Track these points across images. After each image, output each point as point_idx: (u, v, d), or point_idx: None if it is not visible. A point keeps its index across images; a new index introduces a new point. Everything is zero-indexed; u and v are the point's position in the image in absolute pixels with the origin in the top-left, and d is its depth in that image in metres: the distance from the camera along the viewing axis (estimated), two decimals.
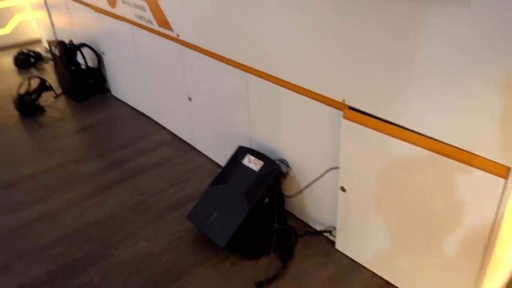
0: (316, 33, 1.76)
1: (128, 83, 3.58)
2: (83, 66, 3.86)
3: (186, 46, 2.61)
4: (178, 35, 2.65)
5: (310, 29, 1.78)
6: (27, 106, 3.65)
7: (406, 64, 1.47)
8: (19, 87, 3.74)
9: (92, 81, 3.90)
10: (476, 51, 1.28)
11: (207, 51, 2.46)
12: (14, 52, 4.78)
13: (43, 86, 3.81)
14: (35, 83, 3.83)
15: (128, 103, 3.71)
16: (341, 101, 1.79)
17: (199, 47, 2.51)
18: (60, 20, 4.38)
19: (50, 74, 4.36)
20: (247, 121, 2.39)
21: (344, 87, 1.75)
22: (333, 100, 1.82)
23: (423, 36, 1.39)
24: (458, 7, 1.27)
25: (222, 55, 2.35)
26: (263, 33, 2.02)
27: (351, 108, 1.75)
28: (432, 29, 1.36)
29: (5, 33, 5.22)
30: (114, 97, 3.89)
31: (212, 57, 2.43)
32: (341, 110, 1.79)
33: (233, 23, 2.18)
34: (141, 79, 3.32)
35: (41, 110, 3.70)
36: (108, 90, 3.96)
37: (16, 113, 3.67)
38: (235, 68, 2.29)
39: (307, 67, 1.88)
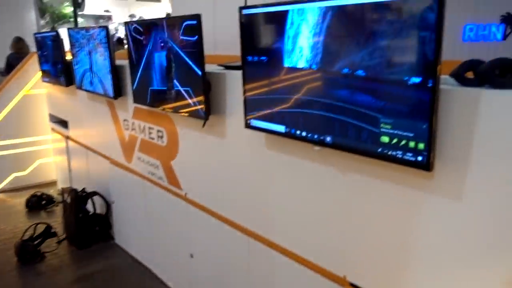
0: (321, 207, 1.83)
1: (133, 233, 3.60)
2: (91, 212, 3.93)
3: (193, 205, 2.69)
4: (186, 194, 2.76)
5: (315, 203, 1.86)
6: (28, 252, 3.62)
7: (409, 249, 1.50)
8: (24, 232, 3.76)
9: (97, 228, 3.93)
10: (473, 244, 1.31)
11: (212, 211, 2.53)
12: (28, 193, 4.93)
13: (48, 232, 3.84)
14: (41, 227, 3.86)
15: (131, 253, 3.68)
16: (342, 276, 1.77)
17: (205, 207, 2.59)
18: (77, 166, 4.62)
19: (58, 217, 4.42)
20: (247, 285, 2.33)
21: (346, 263, 1.75)
22: (334, 274, 1.80)
23: (423, 224, 1.44)
24: (452, 201, 1.34)
25: (226, 217, 2.42)
26: (267, 200, 2.11)
27: (353, 285, 1.73)
28: (430, 219, 1.42)
29: (23, 174, 5.46)
30: (117, 245, 3.87)
31: (217, 218, 2.49)
32: (343, 286, 1.76)
33: (239, 188, 2.28)
34: (146, 230, 3.35)
35: (41, 256, 3.66)
36: (112, 238, 3.96)
37: (15, 258, 3.63)
38: (238, 231, 2.33)
39: (309, 238, 1.91)
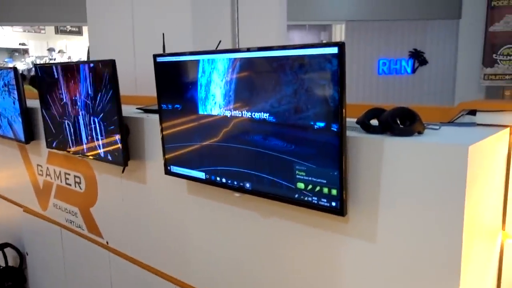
0: (244, 251, 1.82)
1: (51, 286, 3.32)
2: (2, 267, 3.58)
3: (115, 254, 2.56)
4: (107, 242, 2.61)
5: (239, 247, 1.84)
6: None
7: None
8: None
9: (10, 283, 3.59)
10: (389, 285, 1.36)
11: (135, 259, 2.41)
12: None
13: None
14: None
15: None
16: None
17: (127, 255, 2.47)
18: None
19: None
20: None
21: None
22: None
23: (341, 266, 1.48)
24: (367, 243, 1.39)
25: (150, 265, 2.32)
26: (191, 246, 2.06)
27: None
28: (348, 261, 1.46)
29: None
30: None
31: (140, 266, 2.38)
32: None
33: (162, 235, 2.21)
34: (65, 282, 3.11)
35: None
36: None
37: None
38: (163, 280, 2.24)
39: (234, 282, 1.88)
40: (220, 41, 2.12)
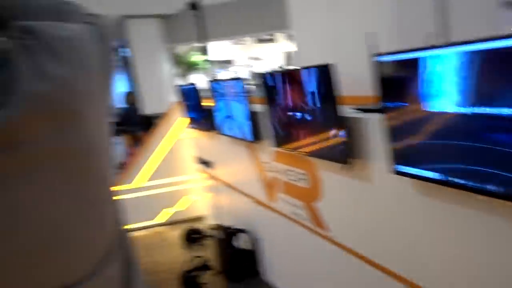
0: (492, 265, 1.66)
1: (280, 271, 3.71)
2: (240, 248, 4.17)
3: (340, 248, 2.66)
4: (332, 236, 2.74)
5: (484, 259, 1.70)
6: (190, 283, 4.00)
7: None
8: (186, 264, 4.17)
9: (245, 263, 4.15)
10: None
11: (362, 256, 2.46)
12: (179, 227, 5.47)
13: (206, 266, 4.18)
14: (198, 260, 4.23)
15: None
16: None
17: (355, 252, 2.52)
18: (223, 203, 4.97)
19: (208, 251, 4.78)
20: None
21: None
22: None
23: None
24: None
25: (375, 261, 2.33)
26: (422, 252, 1.98)
27: None
28: None
29: (175, 209, 6.06)
30: (264, 281, 4.02)
31: (365, 261, 2.42)
32: None
33: (387, 232, 2.20)
34: (294, 270, 3.42)
35: None
36: (259, 274, 4.13)
37: None
38: (391, 278, 2.22)
39: None
40: (434, 33, 1.96)
